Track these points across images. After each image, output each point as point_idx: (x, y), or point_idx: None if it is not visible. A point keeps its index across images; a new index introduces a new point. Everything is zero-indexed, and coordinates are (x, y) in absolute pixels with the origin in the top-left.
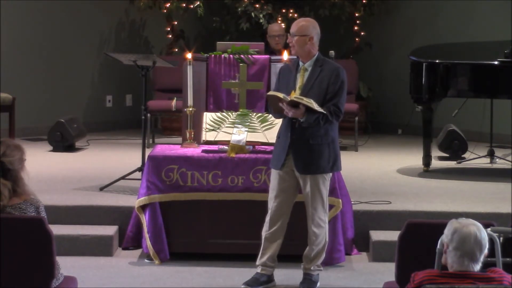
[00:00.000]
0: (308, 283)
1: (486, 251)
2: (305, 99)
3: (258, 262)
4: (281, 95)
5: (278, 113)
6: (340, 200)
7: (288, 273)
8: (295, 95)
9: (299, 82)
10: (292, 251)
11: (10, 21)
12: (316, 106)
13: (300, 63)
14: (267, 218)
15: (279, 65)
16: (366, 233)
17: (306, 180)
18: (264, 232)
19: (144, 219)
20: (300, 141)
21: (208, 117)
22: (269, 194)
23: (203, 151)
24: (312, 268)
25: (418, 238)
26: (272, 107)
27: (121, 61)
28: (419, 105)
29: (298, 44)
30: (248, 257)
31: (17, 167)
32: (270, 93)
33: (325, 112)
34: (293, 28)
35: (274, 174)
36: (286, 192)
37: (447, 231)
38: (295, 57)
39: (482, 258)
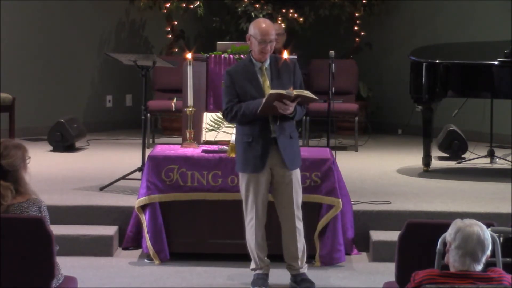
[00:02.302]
0: (307, 283)
1: (488, 252)
2: (304, 91)
3: (260, 265)
4: (283, 91)
5: (270, 113)
6: (340, 200)
7: (283, 273)
8: (294, 90)
9: (266, 82)
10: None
11: (10, 21)
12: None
13: (257, 64)
14: (254, 223)
15: None
16: (366, 233)
17: (289, 176)
18: (255, 237)
19: (144, 219)
20: (284, 138)
21: (208, 117)
22: (250, 200)
23: (203, 151)
24: (303, 267)
25: (418, 238)
26: (266, 106)
27: (121, 61)
28: (419, 105)
29: (272, 46)
30: (248, 257)
31: (17, 167)
32: (274, 91)
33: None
34: (272, 34)
35: (253, 178)
36: (266, 192)
37: (451, 230)
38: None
39: (484, 259)
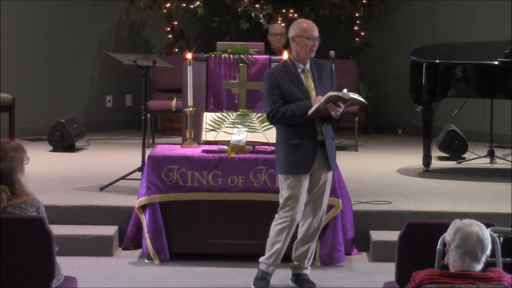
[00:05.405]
0: (307, 283)
1: (488, 252)
2: (356, 95)
3: (274, 263)
4: (340, 93)
5: (320, 115)
6: (340, 200)
7: (284, 273)
8: (350, 93)
9: (310, 84)
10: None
11: (10, 21)
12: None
13: (300, 65)
14: (289, 223)
15: None
16: (366, 233)
17: (326, 176)
18: (286, 237)
19: (144, 219)
20: (328, 140)
21: (208, 117)
22: (290, 201)
23: (203, 151)
24: (307, 267)
25: (418, 238)
26: (320, 108)
27: (121, 61)
28: (419, 105)
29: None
30: (248, 257)
31: (14, 170)
32: (333, 93)
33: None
34: (316, 31)
35: (297, 180)
36: (306, 193)
37: (450, 230)
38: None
39: (484, 259)
